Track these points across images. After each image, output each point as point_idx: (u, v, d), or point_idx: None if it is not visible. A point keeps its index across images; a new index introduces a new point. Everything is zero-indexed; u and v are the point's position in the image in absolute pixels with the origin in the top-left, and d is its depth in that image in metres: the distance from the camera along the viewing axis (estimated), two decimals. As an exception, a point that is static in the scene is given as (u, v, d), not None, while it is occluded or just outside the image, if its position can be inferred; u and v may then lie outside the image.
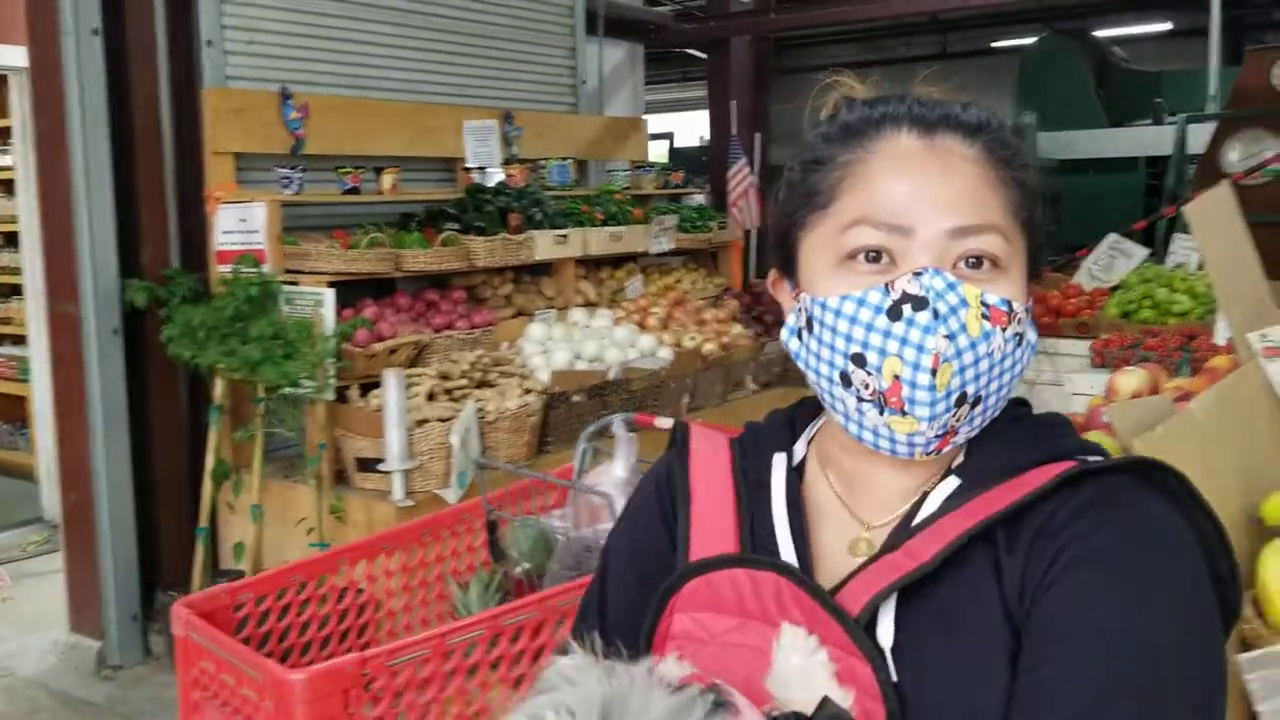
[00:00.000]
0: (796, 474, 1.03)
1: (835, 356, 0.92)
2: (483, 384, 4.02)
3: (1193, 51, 9.64)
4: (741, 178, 6.39)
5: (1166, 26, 12.11)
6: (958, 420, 0.91)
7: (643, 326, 4.90)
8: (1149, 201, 8.35)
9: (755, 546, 0.98)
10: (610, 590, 1.06)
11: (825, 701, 0.84)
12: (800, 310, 0.96)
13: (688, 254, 6.01)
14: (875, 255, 0.91)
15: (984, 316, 0.89)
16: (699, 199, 7.11)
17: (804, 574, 0.92)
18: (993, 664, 0.85)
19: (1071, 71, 9.43)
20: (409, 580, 2.23)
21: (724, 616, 0.93)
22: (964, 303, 0.88)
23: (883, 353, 0.88)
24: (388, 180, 4.39)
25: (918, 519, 0.94)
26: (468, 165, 4.90)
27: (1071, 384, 3.58)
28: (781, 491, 1.01)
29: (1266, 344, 1.64)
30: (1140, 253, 5.23)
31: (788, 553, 0.97)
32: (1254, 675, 1.20)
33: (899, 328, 0.88)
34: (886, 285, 0.89)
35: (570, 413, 4.13)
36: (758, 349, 5.36)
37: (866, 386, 0.90)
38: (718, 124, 7.97)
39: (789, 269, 0.99)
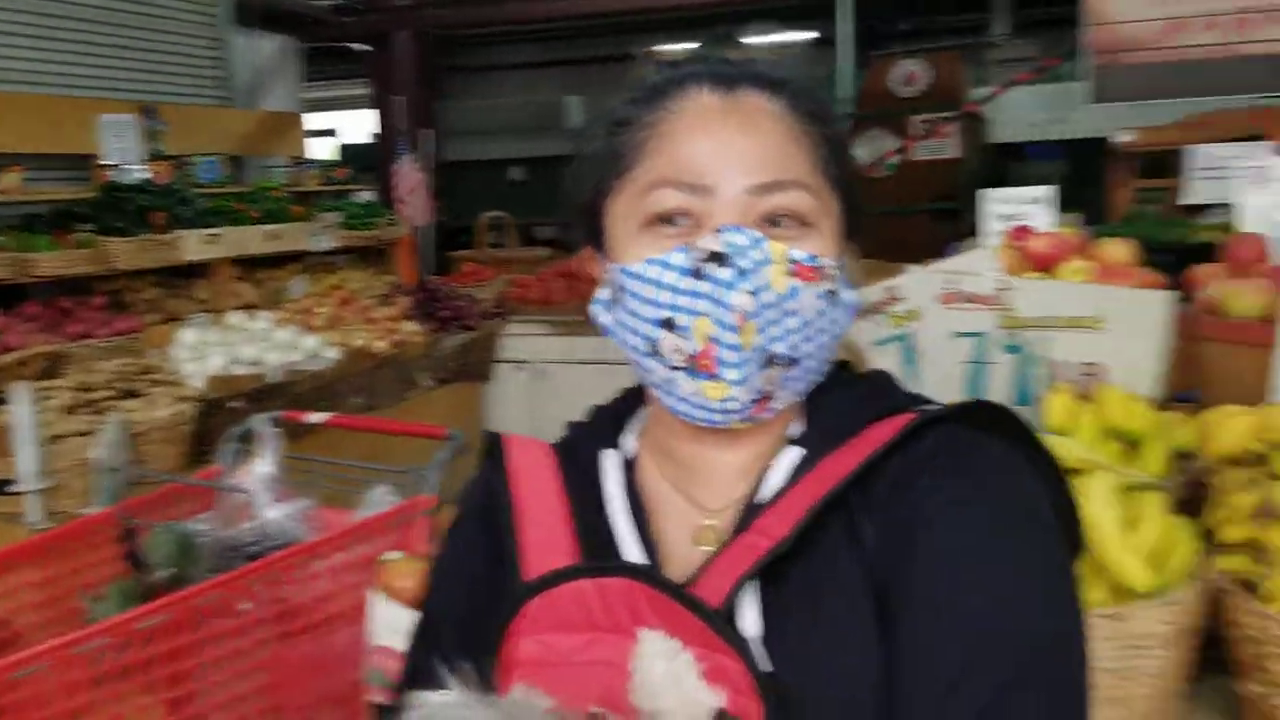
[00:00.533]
0: (629, 469, 0.96)
1: (643, 325, 0.88)
2: (130, 394, 3.78)
3: (833, 57, 10.46)
4: (408, 173, 6.35)
5: (812, 35, 13.06)
6: (770, 383, 0.86)
7: (308, 327, 4.77)
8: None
9: (596, 553, 0.90)
10: (442, 632, 0.94)
11: (721, 714, 0.78)
12: (611, 283, 0.92)
13: (356, 252, 5.90)
14: (679, 218, 0.87)
15: (791, 273, 0.85)
16: (368, 195, 7.00)
17: (655, 572, 0.85)
18: (865, 635, 0.81)
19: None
20: (36, 597, 2.08)
21: (572, 634, 0.85)
22: (768, 259, 0.84)
23: (692, 314, 0.85)
24: (10, 179, 4.03)
25: (762, 495, 0.89)
26: (104, 162, 4.58)
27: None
28: (618, 489, 0.94)
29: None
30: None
31: (632, 553, 0.90)
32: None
33: (704, 286, 0.84)
34: (689, 245, 0.85)
35: (229, 419, 3.96)
36: (431, 345, 5.35)
37: (678, 352, 0.86)
38: (384, 120, 7.87)
39: (598, 241, 0.94)
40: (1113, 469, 1.45)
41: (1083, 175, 7.21)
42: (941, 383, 1.83)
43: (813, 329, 0.87)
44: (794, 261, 0.85)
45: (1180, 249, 3.45)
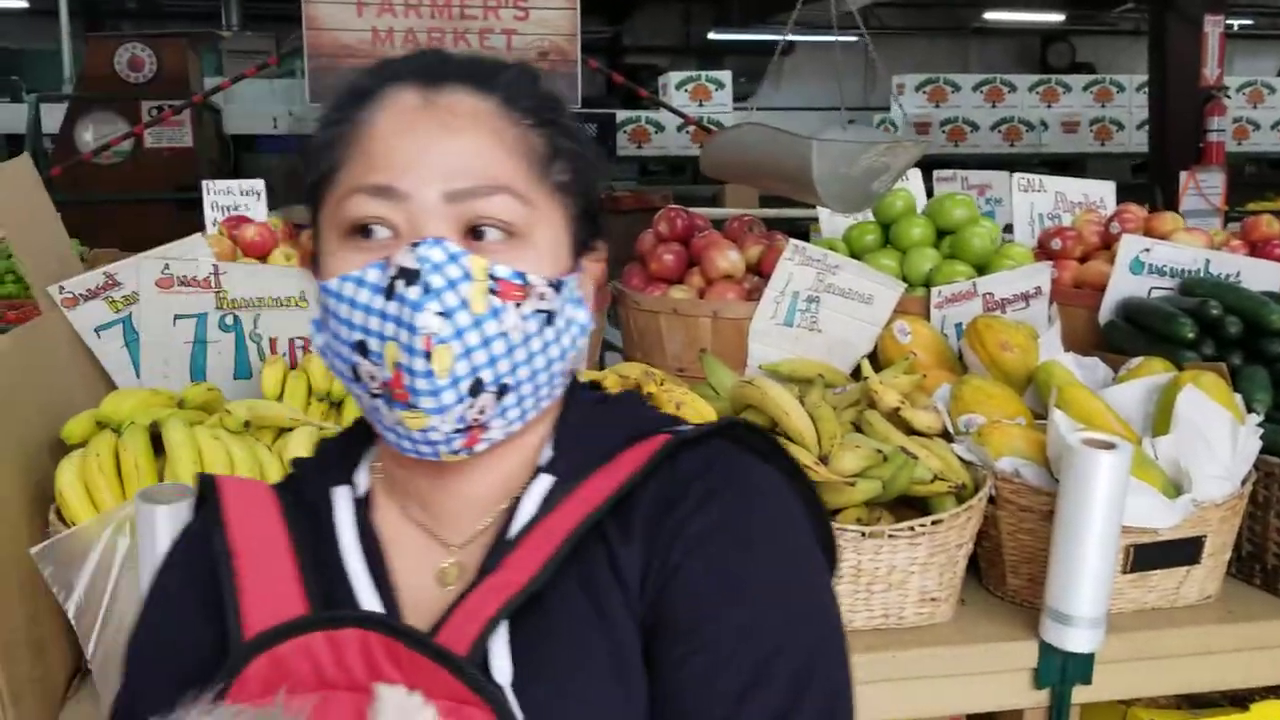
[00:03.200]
0: (363, 506, 0.87)
1: (343, 348, 0.79)
2: None
3: (54, 30, 9.63)
4: None
5: (23, 4, 11.87)
6: (481, 413, 0.78)
7: None
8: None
9: (329, 602, 0.80)
10: (141, 705, 0.79)
11: None
12: (319, 301, 0.82)
13: None
14: (377, 228, 0.78)
15: (493, 291, 0.77)
16: None
17: (392, 620, 0.77)
18: (627, 669, 0.77)
19: None
20: None
21: (301, 696, 0.74)
22: (468, 276, 0.76)
23: (382, 338, 0.76)
24: None
25: (514, 529, 0.81)
26: None
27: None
28: (349, 528, 0.84)
29: (64, 295, 1.89)
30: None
31: (369, 599, 0.81)
32: (46, 570, 1.39)
33: (393, 307, 0.75)
34: (385, 261, 0.76)
35: None
36: None
37: (373, 379, 0.78)
38: None
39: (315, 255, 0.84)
40: (314, 424, 1.71)
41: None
42: (166, 363, 1.96)
43: (526, 353, 0.79)
44: (496, 278, 0.77)
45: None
